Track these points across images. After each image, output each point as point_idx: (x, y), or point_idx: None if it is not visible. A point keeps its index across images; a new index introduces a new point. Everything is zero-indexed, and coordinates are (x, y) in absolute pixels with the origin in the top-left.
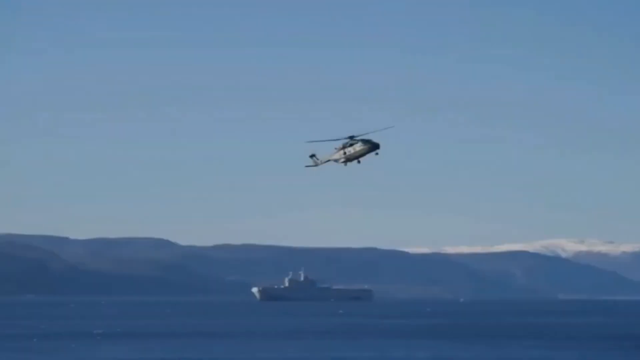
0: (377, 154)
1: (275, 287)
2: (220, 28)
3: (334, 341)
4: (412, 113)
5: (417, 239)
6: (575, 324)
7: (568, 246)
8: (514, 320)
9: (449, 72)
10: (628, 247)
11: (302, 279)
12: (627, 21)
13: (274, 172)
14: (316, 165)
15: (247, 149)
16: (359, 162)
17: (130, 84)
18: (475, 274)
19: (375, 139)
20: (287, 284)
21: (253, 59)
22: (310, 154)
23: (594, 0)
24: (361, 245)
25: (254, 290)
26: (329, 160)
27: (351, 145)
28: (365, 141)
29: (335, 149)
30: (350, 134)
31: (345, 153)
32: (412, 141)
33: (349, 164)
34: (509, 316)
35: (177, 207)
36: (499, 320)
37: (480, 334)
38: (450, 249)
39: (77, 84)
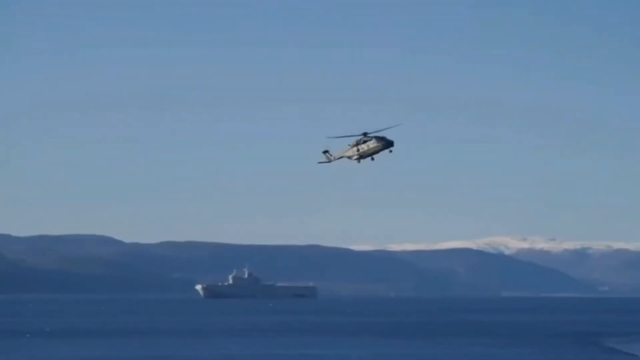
0: (390, 151)
1: (219, 284)
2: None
3: (279, 339)
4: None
5: (361, 237)
6: (517, 321)
7: (511, 243)
8: (457, 318)
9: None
10: (570, 245)
11: (246, 276)
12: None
13: (218, 171)
14: (329, 161)
15: (193, 147)
16: (372, 159)
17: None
18: (419, 271)
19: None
20: (231, 281)
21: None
22: (323, 150)
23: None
24: (305, 242)
25: (198, 287)
26: (342, 157)
27: (364, 142)
28: (379, 138)
29: (349, 145)
30: (364, 131)
31: (358, 150)
32: None
33: (362, 161)
34: (452, 313)
35: (121, 204)
36: (442, 317)
37: (424, 332)
38: (394, 247)
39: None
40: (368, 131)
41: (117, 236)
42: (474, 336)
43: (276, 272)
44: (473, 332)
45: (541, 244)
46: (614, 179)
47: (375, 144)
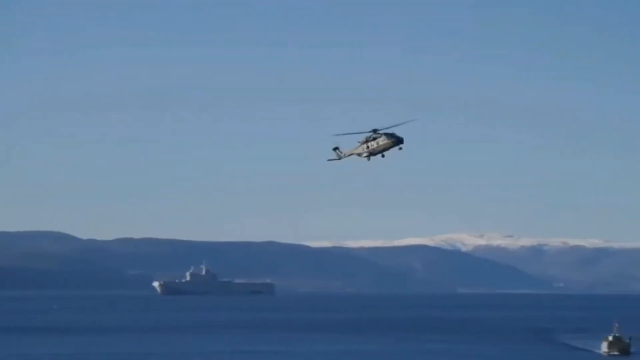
0: (400, 148)
1: (177, 281)
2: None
3: (236, 335)
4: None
5: (318, 233)
6: (474, 317)
7: (468, 240)
8: (414, 314)
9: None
10: (526, 242)
11: (203, 273)
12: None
13: (174, 167)
14: (339, 158)
15: (148, 143)
16: (383, 156)
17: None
18: (376, 268)
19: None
20: (188, 278)
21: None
22: (333, 147)
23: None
24: (262, 239)
25: (155, 284)
26: (352, 154)
27: (374, 139)
28: (388, 135)
29: (358, 142)
30: (374, 128)
31: (368, 147)
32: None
33: (372, 158)
34: (409, 310)
35: (77, 201)
36: (399, 314)
37: (381, 328)
38: (351, 243)
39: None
40: (378, 128)
41: (74, 233)
42: (431, 332)
43: (234, 269)
44: (430, 328)
45: (498, 241)
46: (569, 177)
47: (385, 141)
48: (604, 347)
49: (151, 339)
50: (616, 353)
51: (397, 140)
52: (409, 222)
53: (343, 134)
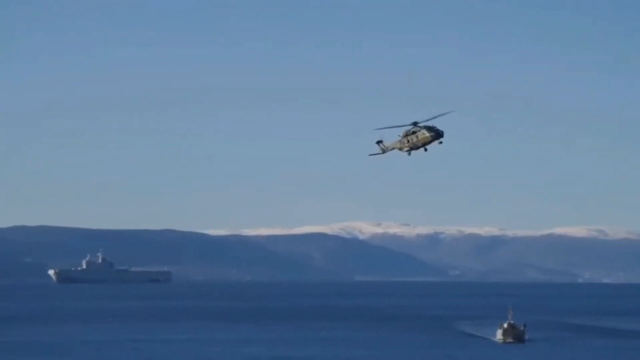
0: (440, 142)
1: (73, 269)
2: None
3: (132, 324)
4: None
5: (216, 221)
6: (371, 305)
7: (365, 228)
8: (312, 302)
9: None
10: (423, 230)
11: (100, 261)
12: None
13: (70, 154)
14: (383, 152)
15: (46, 131)
16: (425, 150)
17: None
18: (274, 256)
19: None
20: (84, 266)
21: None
22: (377, 140)
23: None
24: (160, 227)
25: (51, 272)
26: (393, 149)
27: (414, 132)
28: (429, 128)
29: (399, 136)
30: (414, 120)
31: (408, 141)
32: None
33: (413, 152)
34: (307, 298)
35: None
36: (297, 301)
37: (279, 316)
38: (249, 231)
39: None
40: (418, 120)
41: None
42: (330, 320)
43: (131, 257)
44: (328, 316)
45: (395, 229)
46: (464, 166)
47: (425, 135)
48: (499, 335)
49: (45, 328)
50: (511, 340)
51: (437, 134)
52: (307, 210)
53: (383, 128)
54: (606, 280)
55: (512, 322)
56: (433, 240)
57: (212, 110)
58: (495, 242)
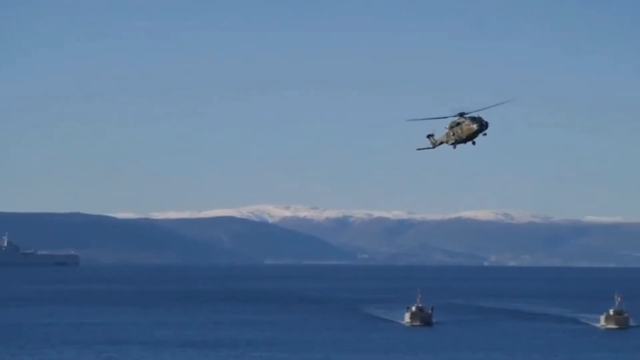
0: (485, 134)
1: None
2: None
3: (38, 307)
4: None
5: (124, 205)
6: (281, 288)
7: (274, 212)
8: (222, 286)
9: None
10: (332, 213)
11: (5, 244)
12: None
13: None
14: (433, 147)
15: None
16: (473, 143)
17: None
18: (182, 240)
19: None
20: None
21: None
22: (428, 133)
23: None
24: (67, 210)
25: None
26: (442, 143)
27: (458, 124)
28: (473, 119)
29: (446, 128)
30: (460, 111)
31: (453, 134)
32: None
33: (458, 146)
34: (217, 281)
35: None
36: (206, 285)
37: (187, 300)
38: (158, 215)
39: None
40: (465, 111)
41: None
42: (239, 303)
43: (38, 241)
44: (238, 299)
45: (304, 213)
46: (371, 150)
47: (470, 126)
48: (406, 318)
49: None
50: (418, 323)
51: (481, 125)
52: (216, 193)
53: (417, 120)
54: (512, 264)
55: (420, 305)
56: (342, 223)
57: (122, 94)
58: (403, 226)
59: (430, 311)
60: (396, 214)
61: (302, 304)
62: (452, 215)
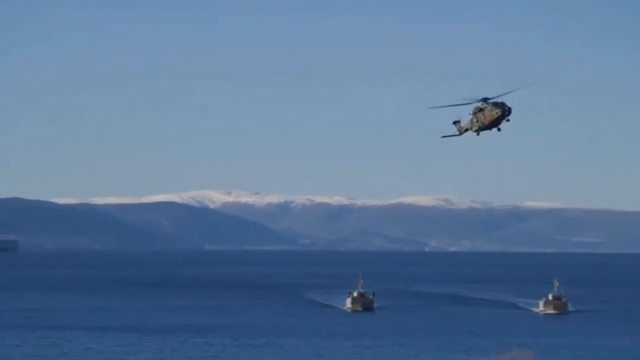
0: (508, 120)
1: None
2: None
3: None
4: None
5: (64, 190)
6: (222, 273)
7: (216, 197)
8: (163, 271)
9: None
10: (273, 199)
11: None
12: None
13: None
14: (460, 133)
15: None
16: (499, 129)
17: None
18: (123, 225)
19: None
20: None
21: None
22: (454, 119)
23: None
24: (6, 195)
25: None
26: (467, 130)
27: (481, 110)
28: (496, 104)
29: (470, 114)
30: (483, 97)
31: (477, 120)
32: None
33: (482, 133)
34: (157, 267)
35: None
36: (147, 270)
37: (129, 284)
38: (98, 200)
39: None
40: (489, 96)
41: None
42: (180, 289)
43: None
44: (179, 285)
45: (245, 198)
46: (314, 137)
47: (492, 112)
48: (348, 303)
49: None
50: (360, 309)
51: (504, 111)
52: (157, 178)
53: (438, 107)
54: (452, 249)
55: (361, 290)
56: (283, 209)
57: (64, 82)
58: (344, 211)
59: (371, 296)
60: (337, 199)
61: (244, 289)
62: (393, 201)
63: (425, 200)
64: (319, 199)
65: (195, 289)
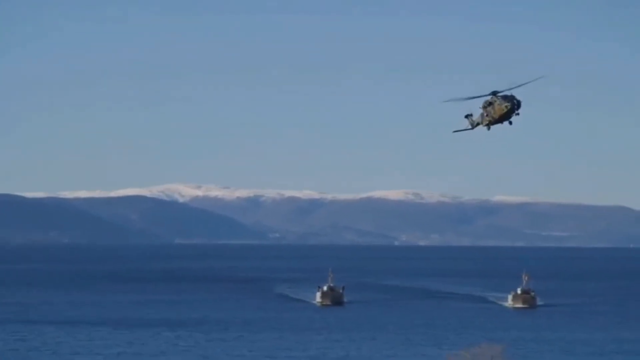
0: (517, 114)
1: None
2: None
3: None
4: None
5: (33, 184)
6: (191, 267)
7: (185, 191)
8: (132, 265)
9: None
10: (243, 193)
11: None
12: None
13: None
14: (472, 127)
15: None
16: (510, 123)
17: None
18: (92, 219)
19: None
20: None
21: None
22: (467, 113)
23: None
24: None
25: None
26: (478, 124)
27: (490, 104)
28: (506, 98)
29: (480, 108)
30: (493, 90)
31: (487, 114)
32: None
33: (493, 127)
34: (127, 261)
35: None
36: (117, 265)
37: (99, 279)
38: (67, 194)
39: None
40: (499, 90)
41: None
42: (150, 283)
43: None
44: (149, 279)
45: (215, 192)
46: (286, 130)
47: (501, 105)
48: (318, 297)
49: None
50: (329, 303)
51: (513, 105)
52: (126, 172)
53: (450, 100)
54: (422, 243)
55: (331, 284)
56: (253, 203)
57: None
58: (314, 205)
59: (341, 290)
60: (307, 193)
61: (214, 283)
62: (363, 195)
63: (395, 194)
64: (289, 193)
65: (166, 283)
